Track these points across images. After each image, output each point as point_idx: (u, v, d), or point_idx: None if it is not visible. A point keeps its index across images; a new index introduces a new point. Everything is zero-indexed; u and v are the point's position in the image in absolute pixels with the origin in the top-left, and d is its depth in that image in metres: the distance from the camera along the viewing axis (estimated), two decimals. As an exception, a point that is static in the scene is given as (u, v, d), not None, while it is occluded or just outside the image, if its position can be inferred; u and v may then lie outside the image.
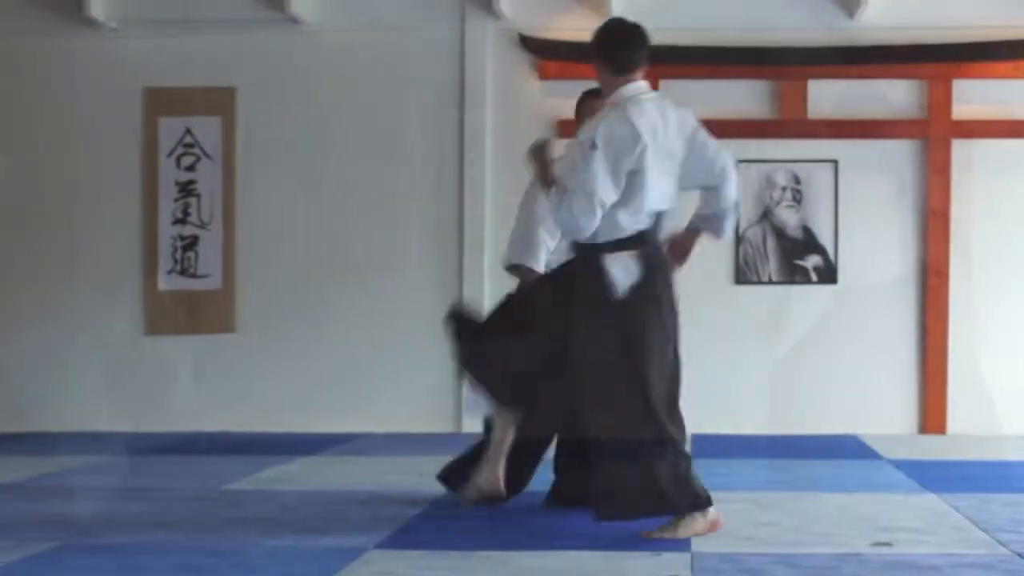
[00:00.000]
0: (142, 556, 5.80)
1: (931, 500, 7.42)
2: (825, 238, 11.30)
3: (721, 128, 10.94)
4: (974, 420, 11.09)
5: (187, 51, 11.40)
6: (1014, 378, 11.13)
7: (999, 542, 6.09)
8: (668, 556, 5.79)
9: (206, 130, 11.43)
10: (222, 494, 7.69)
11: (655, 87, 10.89)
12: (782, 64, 11.26)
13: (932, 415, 11.13)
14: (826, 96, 11.24)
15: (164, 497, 7.53)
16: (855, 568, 5.51)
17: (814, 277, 11.26)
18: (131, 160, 11.46)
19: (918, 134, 11.24)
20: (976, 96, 11.18)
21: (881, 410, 11.19)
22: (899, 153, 11.24)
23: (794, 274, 11.27)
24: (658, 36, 10.95)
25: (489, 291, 10.93)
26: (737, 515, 6.79)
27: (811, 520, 6.72)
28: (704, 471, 8.11)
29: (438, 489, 7.40)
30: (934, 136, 11.19)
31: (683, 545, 6.01)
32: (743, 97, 11.32)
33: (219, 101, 11.43)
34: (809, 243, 11.31)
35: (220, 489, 7.88)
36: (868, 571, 5.47)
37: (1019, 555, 5.80)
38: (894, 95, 11.27)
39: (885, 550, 5.92)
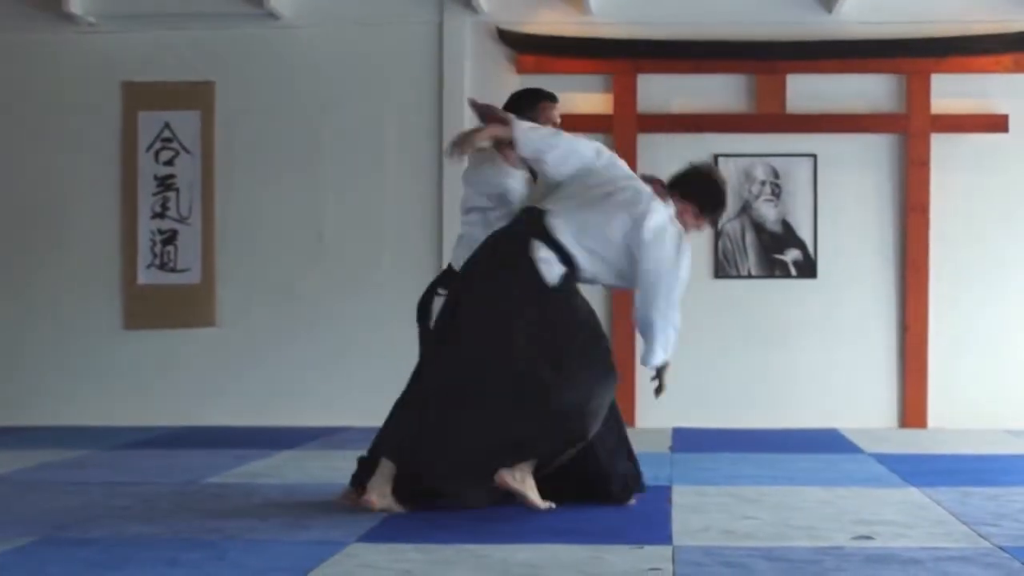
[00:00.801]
0: (124, 549, 5.76)
1: (912, 494, 7.42)
2: (804, 232, 11.30)
3: (700, 123, 11.09)
4: (954, 414, 11.16)
5: (166, 45, 11.42)
6: (993, 372, 11.19)
7: (980, 535, 6.09)
8: (650, 549, 5.78)
9: (185, 124, 11.44)
10: (203, 488, 7.65)
11: (633, 81, 10.89)
12: (761, 58, 11.29)
13: (912, 409, 11.19)
14: (805, 90, 11.24)
15: (145, 492, 7.48)
16: (837, 562, 5.49)
17: (793, 271, 11.27)
18: (110, 154, 11.45)
19: (897, 128, 11.26)
20: (955, 90, 11.22)
21: (862, 404, 11.23)
22: (878, 147, 11.24)
23: (773, 268, 11.28)
24: (637, 31, 11.12)
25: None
26: (718, 509, 6.80)
27: (792, 514, 6.71)
28: (685, 465, 8.15)
29: None
30: (913, 130, 11.21)
31: (665, 538, 6.01)
32: (722, 91, 11.33)
33: (198, 95, 11.44)
34: (788, 237, 11.32)
35: (201, 483, 7.84)
36: (850, 565, 5.44)
37: (1000, 548, 5.79)
38: (873, 89, 11.27)
39: (866, 544, 5.91)
